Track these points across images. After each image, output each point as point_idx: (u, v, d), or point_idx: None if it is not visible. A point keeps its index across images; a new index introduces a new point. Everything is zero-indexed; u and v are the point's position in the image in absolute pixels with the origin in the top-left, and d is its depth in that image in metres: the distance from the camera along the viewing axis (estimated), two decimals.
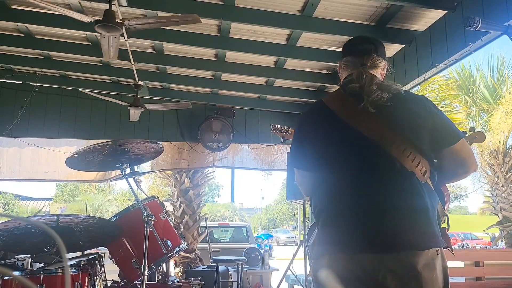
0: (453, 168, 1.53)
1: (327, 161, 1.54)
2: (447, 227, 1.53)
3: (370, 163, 1.47)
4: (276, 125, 3.63)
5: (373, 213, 1.42)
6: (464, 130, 1.59)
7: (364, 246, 1.40)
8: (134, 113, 4.80)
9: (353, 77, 1.56)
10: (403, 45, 3.81)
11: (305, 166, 1.61)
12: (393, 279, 1.36)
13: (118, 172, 3.03)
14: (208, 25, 3.98)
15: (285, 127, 3.61)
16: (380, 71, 1.63)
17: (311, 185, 1.60)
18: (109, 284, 3.18)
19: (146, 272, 2.66)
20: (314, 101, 5.82)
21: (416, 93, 1.67)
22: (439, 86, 8.67)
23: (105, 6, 2.95)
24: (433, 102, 1.59)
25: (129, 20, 2.89)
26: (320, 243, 1.51)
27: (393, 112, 1.48)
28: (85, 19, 2.92)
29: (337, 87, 4.94)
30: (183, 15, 3.16)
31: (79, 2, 3.65)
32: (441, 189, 1.54)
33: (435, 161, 1.51)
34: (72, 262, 2.67)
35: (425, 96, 1.60)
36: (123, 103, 4.86)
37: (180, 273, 6.60)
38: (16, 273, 2.42)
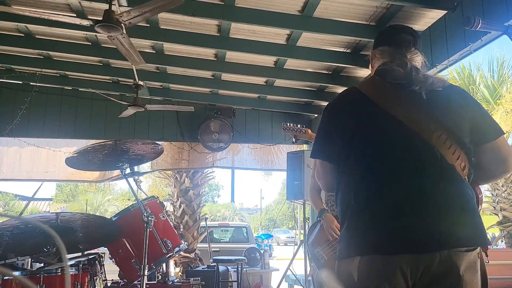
0: (493, 166, 1.41)
1: (363, 151, 1.40)
2: None
3: (411, 154, 1.35)
4: (288, 124, 3.39)
5: (417, 210, 1.29)
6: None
7: (404, 246, 1.26)
8: (128, 112, 4.78)
9: (393, 65, 1.46)
10: None
11: (331, 158, 1.47)
12: (433, 282, 1.25)
13: (118, 172, 3.03)
14: (208, 25, 3.98)
15: (298, 125, 3.40)
16: (417, 65, 1.52)
17: (336, 179, 1.47)
18: (109, 284, 3.18)
19: (146, 272, 2.66)
20: (314, 101, 5.85)
21: None
22: None
23: (105, 6, 2.95)
24: None
25: (121, 16, 2.88)
26: (349, 243, 1.36)
27: (436, 101, 1.39)
28: (85, 22, 2.93)
29: (338, 87, 4.93)
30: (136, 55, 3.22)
31: (79, 2, 3.65)
32: (475, 189, 1.42)
33: (472, 159, 1.40)
34: (72, 262, 2.67)
35: None
36: (123, 103, 4.86)
37: (180, 273, 6.60)
38: (16, 273, 2.42)
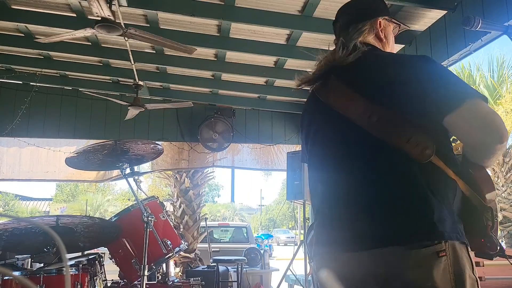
0: (465, 141, 1.18)
1: (306, 148, 1.44)
2: (490, 224, 1.13)
3: (338, 141, 1.29)
4: None
5: (343, 206, 1.23)
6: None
7: (339, 244, 1.22)
8: (132, 113, 4.80)
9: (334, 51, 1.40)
10: (403, 45, 3.81)
11: (304, 159, 1.50)
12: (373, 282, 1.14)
13: (118, 172, 3.03)
14: (208, 25, 3.98)
15: None
16: (369, 35, 1.42)
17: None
18: (109, 284, 3.18)
19: (146, 272, 2.66)
20: None
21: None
22: None
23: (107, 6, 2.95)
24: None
25: (135, 31, 2.94)
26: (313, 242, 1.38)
27: (359, 78, 1.28)
28: (88, 31, 2.97)
29: None
30: (181, 45, 3.21)
31: (79, 2, 3.65)
32: (472, 171, 1.18)
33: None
34: (72, 262, 2.67)
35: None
36: (123, 103, 4.86)
37: (180, 273, 6.60)
38: (16, 273, 2.42)
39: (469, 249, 1.13)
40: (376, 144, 1.19)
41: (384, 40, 1.46)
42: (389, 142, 1.16)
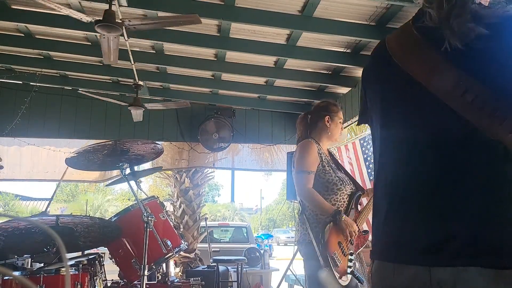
0: None
1: (382, 131, 1.11)
2: None
3: (431, 131, 0.98)
4: None
5: (431, 205, 0.96)
6: None
7: (417, 254, 0.95)
8: (137, 114, 4.80)
9: (431, 6, 0.98)
10: None
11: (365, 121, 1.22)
12: None
13: (119, 171, 3.03)
14: (208, 25, 3.98)
15: None
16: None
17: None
18: (109, 284, 3.18)
19: (146, 272, 2.65)
20: (314, 101, 5.85)
21: None
22: None
23: (105, 6, 2.95)
24: None
25: (129, 20, 2.91)
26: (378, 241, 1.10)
27: (479, 50, 0.92)
28: (85, 18, 2.93)
29: (338, 87, 4.92)
30: (183, 16, 3.16)
31: (79, 2, 3.65)
32: None
33: None
34: (72, 262, 2.67)
35: None
36: (123, 103, 4.86)
37: (180, 273, 6.60)
38: (16, 273, 2.42)
39: None
40: (468, 131, 0.92)
41: None
42: (486, 129, 0.89)
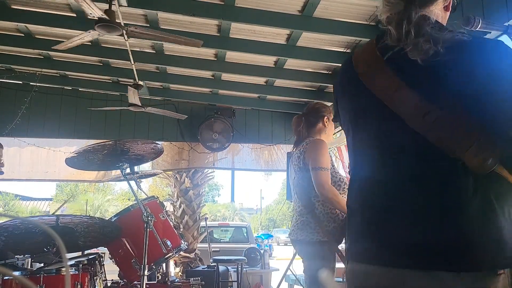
0: None
1: (353, 141, 1.20)
2: None
3: (394, 146, 1.08)
4: None
5: (381, 213, 1.06)
6: None
7: (373, 256, 1.06)
8: (134, 95, 4.67)
9: (392, 24, 1.09)
10: None
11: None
12: None
13: (118, 171, 3.03)
14: (208, 25, 3.98)
15: None
16: (439, 5, 1.16)
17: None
18: (109, 284, 3.18)
19: (146, 272, 2.66)
20: (314, 101, 5.84)
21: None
22: None
23: (105, 6, 2.95)
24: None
25: (136, 27, 2.94)
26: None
27: (435, 73, 1.01)
28: (94, 34, 2.97)
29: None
30: (186, 38, 3.20)
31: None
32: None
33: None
34: (72, 262, 2.67)
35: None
36: (123, 108, 4.87)
37: (180, 273, 6.60)
38: (16, 273, 2.42)
39: None
40: (429, 150, 1.00)
41: (448, 12, 1.20)
42: (446, 148, 0.98)
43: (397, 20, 1.08)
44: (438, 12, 1.16)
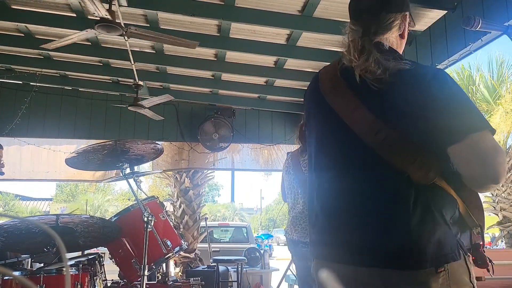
0: (465, 172, 1.12)
1: (309, 153, 1.39)
2: (482, 243, 1.19)
3: (344, 156, 1.24)
4: None
5: (341, 219, 1.22)
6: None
7: (337, 255, 1.22)
8: (153, 114, 4.60)
9: (347, 48, 1.26)
10: None
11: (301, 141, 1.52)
12: None
13: (119, 171, 3.03)
14: (208, 25, 3.98)
15: None
16: (395, 33, 1.28)
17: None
18: (109, 284, 3.18)
19: (146, 272, 2.65)
20: None
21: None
22: None
23: (105, 6, 2.95)
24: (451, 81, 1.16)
25: (136, 29, 2.95)
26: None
27: (383, 96, 1.16)
28: (91, 33, 2.97)
29: None
30: (182, 40, 3.21)
31: (79, 2, 3.65)
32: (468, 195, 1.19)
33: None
34: (72, 262, 2.67)
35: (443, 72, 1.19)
36: (123, 106, 4.86)
37: (180, 273, 6.60)
38: (16, 273, 2.42)
39: (467, 258, 1.16)
40: (379, 163, 1.15)
41: (404, 39, 1.32)
42: (394, 162, 1.14)
43: (353, 44, 1.24)
44: (393, 40, 1.28)
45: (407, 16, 1.30)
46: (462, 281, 1.13)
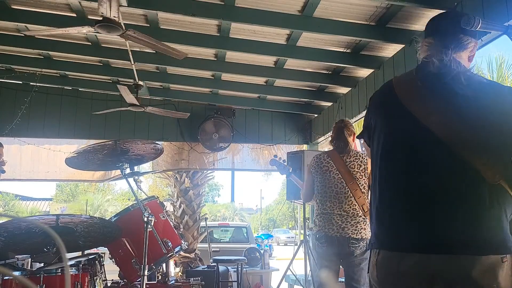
0: None
1: (387, 154, 1.48)
2: None
3: (434, 164, 1.36)
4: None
5: (426, 207, 1.34)
6: None
7: (412, 245, 1.34)
8: (126, 92, 4.67)
9: (432, 60, 1.41)
10: (403, 45, 3.81)
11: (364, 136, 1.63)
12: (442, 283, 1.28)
13: (118, 171, 3.03)
14: (208, 25, 3.98)
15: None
16: (467, 53, 1.46)
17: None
18: (109, 284, 3.17)
19: (146, 272, 2.65)
20: (314, 101, 5.86)
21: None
22: None
23: (116, 9, 2.94)
24: None
25: (134, 32, 2.96)
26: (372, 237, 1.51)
27: (466, 104, 1.33)
28: (85, 30, 2.98)
29: (338, 87, 4.99)
30: (172, 49, 3.42)
31: (79, 2, 3.65)
32: None
33: None
34: (72, 262, 2.67)
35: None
36: (123, 109, 4.86)
37: (180, 273, 6.60)
38: (16, 273, 2.42)
39: None
40: (458, 161, 1.31)
41: (469, 63, 1.49)
42: (470, 161, 1.29)
43: (438, 57, 1.40)
44: (465, 60, 1.46)
45: (475, 44, 1.48)
46: None
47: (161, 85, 5.76)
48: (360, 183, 3.13)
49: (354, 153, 3.21)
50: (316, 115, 6.16)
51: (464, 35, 1.43)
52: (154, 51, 4.68)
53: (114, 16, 2.80)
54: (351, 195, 3.11)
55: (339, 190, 3.17)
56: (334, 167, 3.22)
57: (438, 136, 1.33)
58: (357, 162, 3.17)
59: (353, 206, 3.10)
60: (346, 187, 3.14)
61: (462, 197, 1.30)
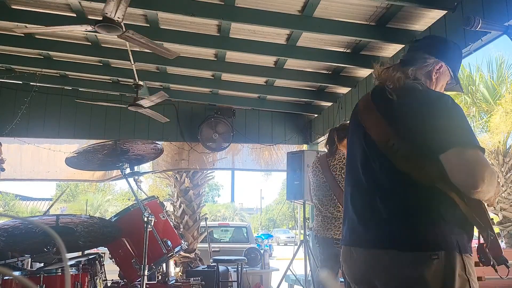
0: (454, 179, 1.29)
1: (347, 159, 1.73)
2: (486, 243, 1.35)
3: (364, 159, 1.53)
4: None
5: (364, 213, 1.50)
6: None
7: (348, 239, 1.56)
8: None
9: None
10: (403, 45, 3.81)
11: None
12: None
13: (119, 171, 3.03)
14: (208, 25, 3.98)
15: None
16: (423, 71, 1.57)
17: None
18: (109, 284, 3.18)
19: (146, 272, 2.65)
20: (314, 101, 5.85)
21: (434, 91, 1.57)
22: None
23: (123, 10, 2.94)
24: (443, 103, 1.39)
25: (133, 33, 2.97)
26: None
27: (393, 107, 1.47)
28: (85, 28, 2.98)
29: (338, 87, 5.00)
30: (164, 49, 3.41)
31: (79, 2, 3.65)
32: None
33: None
34: (72, 262, 2.67)
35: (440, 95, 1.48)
36: (123, 106, 4.85)
37: (180, 273, 6.61)
38: (16, 273, 2.42)
39: (465, 257, 1.32)
40: (392, 169, 1.40)
41: (433, 81, 1.59)
42: (402, 168, 1.38)
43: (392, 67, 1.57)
44: (421, 76, 1.56)
45: (441, 65, 1.57)
46: (455, 272, 1.29)
47: (161, 85, 5.76)
48: (342, 186, 3.18)
49: (340, 156, 3.26)
50: (316, 115, 6.16)
51: (423, 52, 1.60)
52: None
53: (119, 17, 2.80)
54: (335, 198, 3.21)
55: (324, 193, 3.28)
56: (321, 171, 3.32)
57: (375, 141, 1.47)
58: (339, 165, 3.23)
59: (337, 208, 3.20)
60: (330, 191, 3.24)
61: (390, 204, 1.41)
